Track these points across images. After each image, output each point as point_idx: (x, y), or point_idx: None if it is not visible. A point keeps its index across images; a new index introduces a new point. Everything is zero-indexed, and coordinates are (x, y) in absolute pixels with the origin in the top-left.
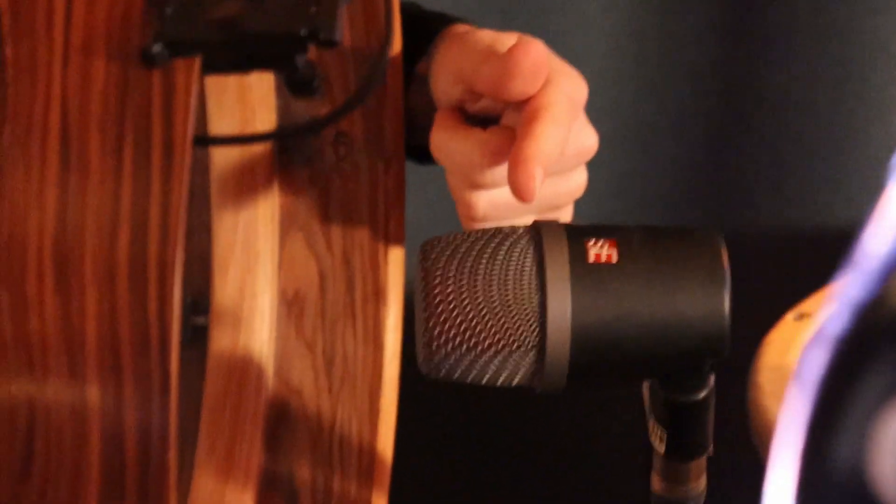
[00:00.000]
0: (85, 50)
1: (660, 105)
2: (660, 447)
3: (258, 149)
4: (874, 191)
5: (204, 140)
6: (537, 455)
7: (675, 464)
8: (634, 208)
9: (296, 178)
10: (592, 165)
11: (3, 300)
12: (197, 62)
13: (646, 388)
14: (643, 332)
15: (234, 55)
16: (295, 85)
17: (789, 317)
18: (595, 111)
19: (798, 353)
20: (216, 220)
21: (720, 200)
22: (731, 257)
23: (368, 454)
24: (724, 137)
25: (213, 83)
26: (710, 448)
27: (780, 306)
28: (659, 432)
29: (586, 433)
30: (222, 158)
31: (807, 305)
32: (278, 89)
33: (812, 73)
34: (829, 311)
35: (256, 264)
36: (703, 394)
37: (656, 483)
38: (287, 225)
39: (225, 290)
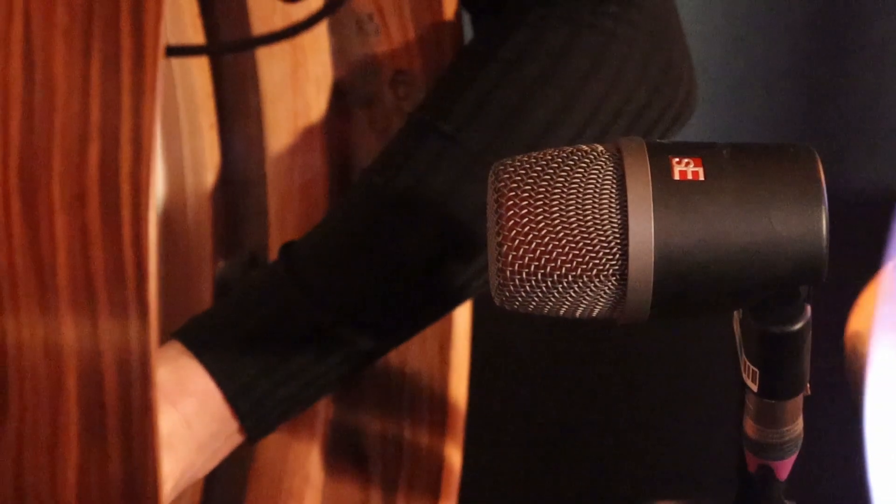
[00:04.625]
0: None
1: (750, 62)
2: (753, 385)
3: (313, 94)
4: None
5: (175, 50)
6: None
7: (770, 403)
8: None
9: (355, 123)
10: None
11: None
12: None
13: (736, 321)
14: (733, 254)
15: None
16: None
17: (890, 266)
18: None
19: None
20: (271, 172)
21: None
22: (830, 213)
23: (440, 406)
24: (819, 96)
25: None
26: (808, 387)
27: (878, 262)
28: (752, 369)
29: (672, 375)
30: (275, 105)
31: None
32: (331, 29)
33: None
34: None
35: (316, 215)
36: (799, 325)
37: (749, 427)
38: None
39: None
